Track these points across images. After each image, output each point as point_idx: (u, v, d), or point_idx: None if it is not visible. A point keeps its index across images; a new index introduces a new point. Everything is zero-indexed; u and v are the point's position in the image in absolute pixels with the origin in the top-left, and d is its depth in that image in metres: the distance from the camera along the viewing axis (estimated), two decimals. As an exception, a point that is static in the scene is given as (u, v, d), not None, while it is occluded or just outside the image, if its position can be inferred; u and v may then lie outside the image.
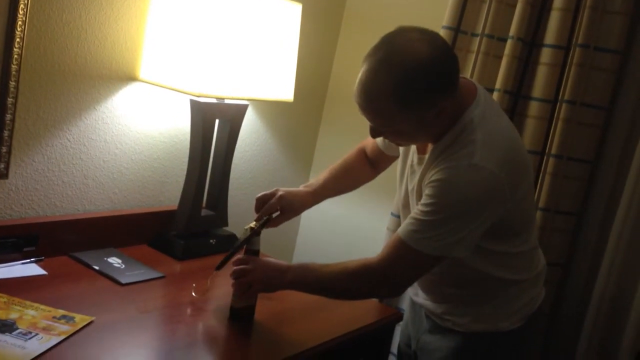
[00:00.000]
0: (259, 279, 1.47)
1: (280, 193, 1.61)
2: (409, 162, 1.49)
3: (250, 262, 1.48)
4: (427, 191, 1.34)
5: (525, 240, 1.47)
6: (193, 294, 1.61)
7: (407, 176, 1.49)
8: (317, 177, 1.72)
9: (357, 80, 1.30)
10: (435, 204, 1.31)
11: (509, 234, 1.42)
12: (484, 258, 1.41)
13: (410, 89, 1.26)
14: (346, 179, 1.74)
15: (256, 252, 1.52)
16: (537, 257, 1.55)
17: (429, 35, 1.30)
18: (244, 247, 1.53)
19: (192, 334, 1.48)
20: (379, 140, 1.64)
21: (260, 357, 1.45)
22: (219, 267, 1.56)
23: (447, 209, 1.31)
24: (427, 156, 1.39)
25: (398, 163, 1.56)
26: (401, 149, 1.54)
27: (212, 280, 1.59)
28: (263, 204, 1.60)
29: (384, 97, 1.27)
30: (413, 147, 1.47)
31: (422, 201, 1.34)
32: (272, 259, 1.53)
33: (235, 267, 1.48)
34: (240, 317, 1.54)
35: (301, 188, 1.68)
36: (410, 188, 1.47)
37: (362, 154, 1.74)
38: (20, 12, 1.51)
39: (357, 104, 1.33)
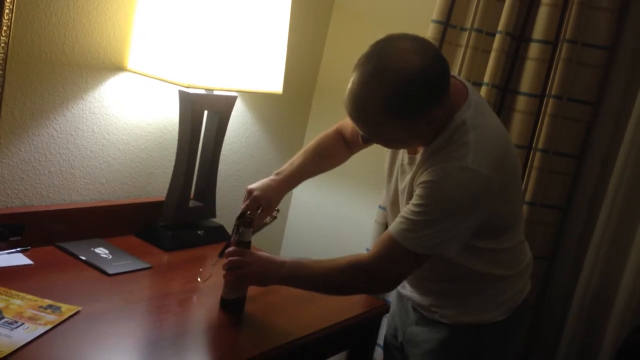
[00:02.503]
0: (254, 273, 1.47)
1: (255, 194, 1.59)
2: (398, 161, 1.49)
3: (246, 255, 1.48)
4: (418, 191, 1.34)
5: (513, 236, 1.48)
6: (198, 279, 1.64)
7: (397, 175, 1.49)
8: (290, 161, 1.68)
9: (348, 90, 1.30)
10: (426, 205, 1.32)
11: (497, 232, 1.43)
12: (471, 255, 1.42)
13: (401, 101, 1.26)
14: (322, 162, 1.72)
15: (247, 244, 1.52)
16: (524, 251, 1.56)
17: (420, 44, 1.29)
18: (235, 239, 1.53)
19: (180, 324, 1.48)
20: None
21: (249, 347, 1.45)
22: (222, 254, 1.55)
23: (438, 210, 1.31)
24: (418, 157, 1.40)
25: (386, 159, 1.56)
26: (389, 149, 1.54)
27: (216, 266, 1.58)
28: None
29: (375, 109, 1.27)
30: None
31: (413, 201, 1.34)
32: (266, 253, 1.52)
33: (230, 258, 1.48)
34: (231, 308, 1.54)
35: (273, 176, 1.65)
36: (401, 187, 1.47)
37: (340, 136, 1.71)
38: (8, 0, 1.49)
39: (347, 113, 1.33)
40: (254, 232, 1.57)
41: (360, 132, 1.37)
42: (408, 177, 1.42)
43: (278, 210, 1.68)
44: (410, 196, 1.39)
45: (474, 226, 1.34)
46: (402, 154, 1.47)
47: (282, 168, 1.67)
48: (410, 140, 1.38)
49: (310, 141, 1.73)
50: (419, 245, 1.33)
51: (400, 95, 1.25)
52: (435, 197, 1.32)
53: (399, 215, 1.36)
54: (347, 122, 1.70)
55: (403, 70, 1.25)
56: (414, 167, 1.40)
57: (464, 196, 1.31)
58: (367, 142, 1.40)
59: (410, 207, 1.34)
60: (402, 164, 1.47)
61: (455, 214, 1.31)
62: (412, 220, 1.32)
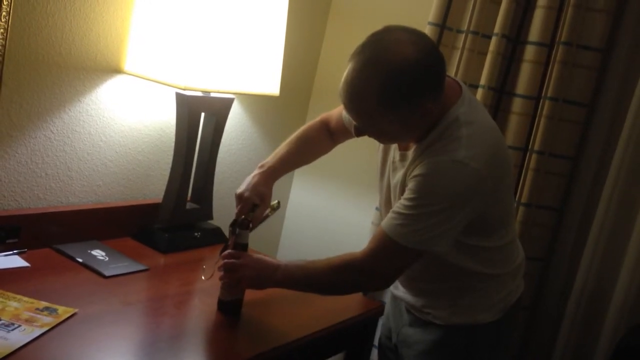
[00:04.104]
0: (249, 276, 1.47)
1: (245, 195, 1.57)
2: (390, 159, 1.49)
3: (242, 258, 1.48)
4: (409, 185, 1.34)
5: (505, 234, 1.48)
6: (202, 277, 1.64)
7: (389, 173, 1.49)
8: (274, 152, 1.68)
9: (343, 79, 1.30)
10: (417, 199, 1.32)
11: (488, 229, 1.43)
12: (463, 253, 1.42)
13: (395, 91, 1.26)
14: (307, 153, 1.72)
15: (245, 246, 1.52)
16: (516, 251, 1.56)
17: (417, 36, 1.30)
18: (233, 240, 1.52)
19: (177, 326, 1.48)
20: (346, 118, 1.62)
21: (245, 349, 1.45)
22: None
23: (429, 204, 1.31)
24: (410, 153, 1.40)
25: (377, 158, 1.56)
26: (381, 147, 1.54)
27: (217, 264, 1.55)
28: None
29: (369, 98, 1.28)
30: (394, 144, 1.47)
31: (405, 195, 1.35)
32: (262, 257, 1.52)
33: (226, 260, 1.48)
34: (228, 310, 1.54)
35: (256, 171, 1.63)
36: (392, 184, 1.47)
37: (325, 127, 1.71)
38: (5, 2, 1.50)
39: (342, 103, 1.34)
40: (258, 224, 1.58)
41: (354, 123, 1.37)
42: (400, 173, 1.42)
43: (278, 202, 1.67)
44: (402, 192, 1.38)
45: (465, 221, 1.34)
46: (393, 152, 1.47)
47: (266, 160, 1.66)
48: (403, 134, 1.37)
49: (296, 132, 1.72)
50: (410, 240, 1.33)
51: (394, 85, 1.25)
52: (426, 191, 1.32)
53: (391, 210, 1.36)
54: (332, 114, 1.71)
55: (398, 60, 1.25)
56: (406, 164, 1.39)
57: (455, 190, 1.31)
58: (360, 134, 1.39)
59: (402, 201, 1.34)
60: (393, 161, 1.47)
61: (446, 208, 1.31)
62: (404, 215, 1.33)
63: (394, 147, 1.48)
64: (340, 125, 1.67)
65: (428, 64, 1.28)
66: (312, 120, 1.75)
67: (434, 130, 1.35)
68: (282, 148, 1.68)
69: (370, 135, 1.40)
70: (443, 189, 1.31)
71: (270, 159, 1.66)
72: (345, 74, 1.30)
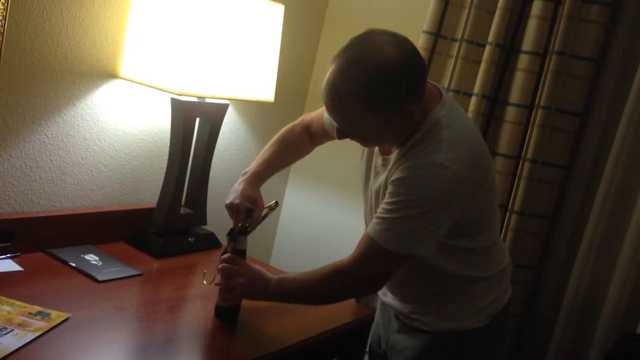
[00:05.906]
0: (242, 284, 1.47)
1: (236, 203, 1.57)
2: (373, 165, 1.49)
3: (239, 265, 1.48)
4: (390, 189, 1.34)
5: (488, 236, 1.48)
6: (204, 281, 1.63)
7: (371, 178, 1.50)
8: (257, 157, 1.69)
9: (325, 80, 1.31)
10: (399, 202, 1.32)
11: (472, 231, 1.43)
12: (447, 255, 1.42)
13: (376, 91, 1.27)
14: (288, 156, 1.75)
15: (243, 252, 1.52)
16: (501, 254, 1.56)
17: (398, 40, 1.31)
18: (231, 245, 1.52)
19: (170, 331, 1.48)
20: (327, 121, 1.62)
21: (239, 354, 1.45)
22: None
23: (412, 207, 1.31)
24: (392, 157, 1.40)
25: (361, 168, 1.56)
26: (364, 155, 1.54)
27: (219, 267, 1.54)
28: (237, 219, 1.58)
29: (351, 98, 1.28)
30: (376, 150, 1.48)
31: (387, 199, 1.35)
32: (259, 267, 1.51)
33: (224, 265, 1.48)
34: (224, 315, 1.54)
35: (240, 179, 1.63)
36: (375, 189, 1.47)
37: (305, 129, 1.72)
38: (1, 6, 1.50)
39: (324, 104, 1.34)
40: (257, 224, 1.59)
41: (336, 125, 1.37)
42: (382, 177, 1.42)
43: (276, 202, 1.69)
44: (384, 196, 1.38)
45: (449, 223, 1.34)
46: (375, 158, 1.48)
47: (249, 167, 1.67)
48: (385, 136, 1.37)
49: (277, 134, 1.73)
50: (395, 244, 1.33)
51: (376, 86, 1.26)
52: (408, 194, 1.32)
53: (375, 215, 1.37)
54: (313, 115, 1.72)
55: (380, 62, 1.26)
56: (388, 168, 1.40)
57: (437, 193, 1.31)
58: (342, 136, 1.39)
59: (384, 205, 1.35)
60: (375, 167, 1.47)
61: (429, 210, 1.31)
62: (387, 219, 1.33)
63: (376, 154, 1.48)
64: (321, 128, 1.68)
65: (409, 66, 1.29)
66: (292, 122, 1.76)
67: (416, 134, 1.36)
68: (264, 152, 1.70)
69: (352, 138, 1.40)
70: (425, 192, 1.31)
71: (253, 165, 1.67)
72: (327, 75, 1.31)
